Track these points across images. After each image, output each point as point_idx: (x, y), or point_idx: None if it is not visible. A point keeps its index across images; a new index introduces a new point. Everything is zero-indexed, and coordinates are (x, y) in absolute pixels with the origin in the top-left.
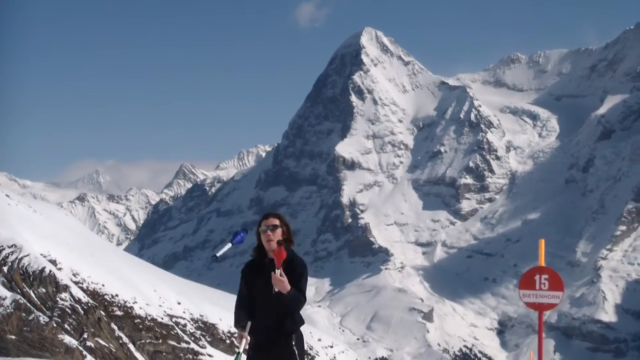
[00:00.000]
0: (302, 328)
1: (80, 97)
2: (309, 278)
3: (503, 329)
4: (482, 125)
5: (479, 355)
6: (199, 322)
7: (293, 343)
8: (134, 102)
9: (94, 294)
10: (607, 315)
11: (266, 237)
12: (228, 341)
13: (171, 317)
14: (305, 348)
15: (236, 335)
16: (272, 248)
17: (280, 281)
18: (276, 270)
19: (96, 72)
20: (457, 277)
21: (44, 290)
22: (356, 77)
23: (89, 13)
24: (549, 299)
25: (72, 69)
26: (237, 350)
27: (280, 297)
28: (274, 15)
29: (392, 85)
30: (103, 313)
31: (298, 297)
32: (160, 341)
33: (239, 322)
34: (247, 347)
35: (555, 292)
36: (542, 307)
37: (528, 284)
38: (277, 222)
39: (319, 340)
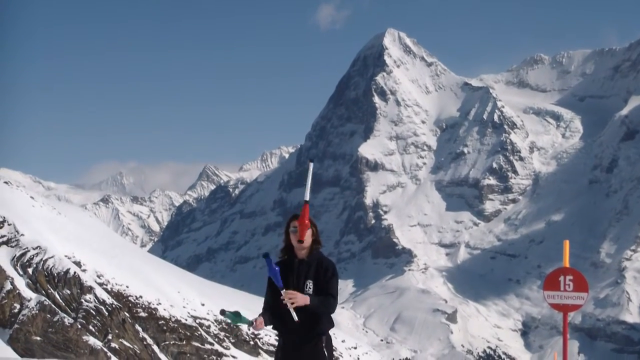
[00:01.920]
0: None
1: (100, 98)
2: None
3: (527, 330)
4: (506, 126)
5: (503, 356)
6: (223, 324)
7: (323, 345)
8: (155, 104)
9: (118, 296)
10: (632, 316)
11: (296, 237)
12: (252, 342)
13: (195, 318)
14: None
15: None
16: (303, 247)
17: (294, 297)
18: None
19: (117, 74)
20: (480, 278)
21: (68, 291)
22: (379, 79)
23: (111, 14)
24: (573, 300)
25: (93, 71)
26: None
27: (307, 308)
28: (295, 17)
29: (415, 87)
30: (127, 314)
31: (326, 301)
32: (184, 342)
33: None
34: (257, 327)
35: (579, 293)
36: (567, 308)
37: (553, 285)
38: (306, 222)
39: (343, 341)
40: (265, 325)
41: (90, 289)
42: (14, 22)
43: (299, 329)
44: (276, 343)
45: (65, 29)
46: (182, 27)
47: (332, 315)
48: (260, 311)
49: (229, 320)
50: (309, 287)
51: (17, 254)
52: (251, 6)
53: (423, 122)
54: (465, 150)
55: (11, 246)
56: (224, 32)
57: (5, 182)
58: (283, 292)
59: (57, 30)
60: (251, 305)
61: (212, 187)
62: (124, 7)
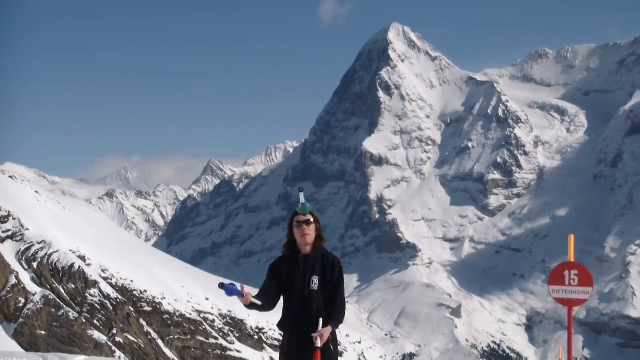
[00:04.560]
0: None
1: (105, 93)
2: None
3: (531, 325)
4: (510, 121)
5: (507, 351)
6: (227, 318)
7: (329, 339)
8: (159, 99)
9: (122, 290)
10: (636, 310)
11: (301, 232)
12: (256, 337)
13: (199, 312)
14: None
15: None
16: (308, 242)
17: (322, 336)
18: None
19: (121, 68)
20: (485, 272)
21: (73, 286)
22: (383, 73)
23: (115, 9)
24: (578, 295)
25: (98, 65)
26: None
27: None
28: (298, 12)
29: (420, 81)
30: (132, 309)
31: (340, 316)
32: (189, 337)
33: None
34: (244, 300)
35: (584, 288)
36: (572, 303)
37: (557, 280)
38: (310, 217)
39: (347, 336)
40: (251, 304)
41: (94, 284)
42: (16, 15)
43: (305, 324)
44: (280, 337)
45: (69, 24)
46: (185, 23)
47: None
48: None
49: None
50: (315, 283)
51: (22, 249)
52: (252, 1)
53: (427, 116)
54: (470, 144)
55: (16, 240)
56: (227, 28)
57: (10, 177)
58: (314, 336)
59: (60, 25)
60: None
61: (217, 181)
62: (128, 3)
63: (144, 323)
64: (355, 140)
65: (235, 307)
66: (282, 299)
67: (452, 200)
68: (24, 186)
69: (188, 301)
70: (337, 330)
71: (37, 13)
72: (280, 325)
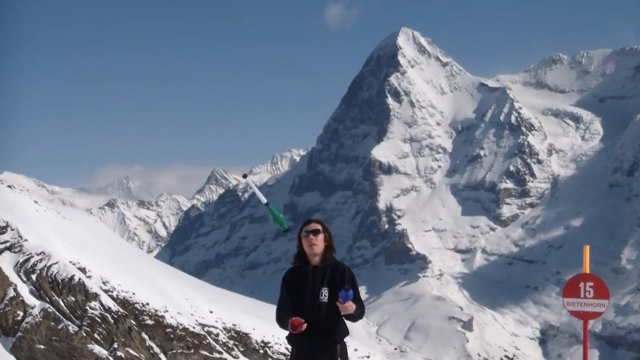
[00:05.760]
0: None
1: (106, 100)
2: None
3: (545, 339)
4: (523, 128)
5: None
6: (232, 332)
7: (338, 353)
8: (161, 106)
9: (124, 303)
10: None
11: (309, 242)
12: (262, 351)
13: (203, 326)
14: None
15: (291, 326)
16: (316, 252)
17: (348, 308)
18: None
19: (122, 76)
20: (497, 284)
21: (73, 298)
22: (393, 79)
23: (114, 15)
24: (594, 307)
25: (98, 73)
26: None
27: (349, 318)
28: (303, 17)
29: (430, 87)
30: (133, 322)
31: (361, 309)
32: (192, 351)
33: (286, 322)
34: (300, 329)
35: (600, 300)
36: (587, 316)
37: (572, 292)
38: (319, 227)
39: (355, 350)
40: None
41: (95, 296)
42: (15, 22)
43: (313, 337)
44: (287, 352)
45: (68, 30)
46: (189, 29)
47: (346, 322)
48: (276, 315)
49: (270, 215)
50: (324, 295)
51: (21, 260)
52: (256, 7)
53: (438, 123)
54: (482, 152)
55: (14, 252)
56: (231, 33)
57: (9, 186)
58: (339, 303)
59: (60, 32)
60: (260, 313)
61: (221, 190)
62: (128, 8)
63: (146, 337)
64: (363, 148)
65: (240, 321)
66: None
67: (463, 210)
68: (22, 196)
69: (191, 314)
70: (346, 344)
71: (29, 18)
72: (289, 338)
